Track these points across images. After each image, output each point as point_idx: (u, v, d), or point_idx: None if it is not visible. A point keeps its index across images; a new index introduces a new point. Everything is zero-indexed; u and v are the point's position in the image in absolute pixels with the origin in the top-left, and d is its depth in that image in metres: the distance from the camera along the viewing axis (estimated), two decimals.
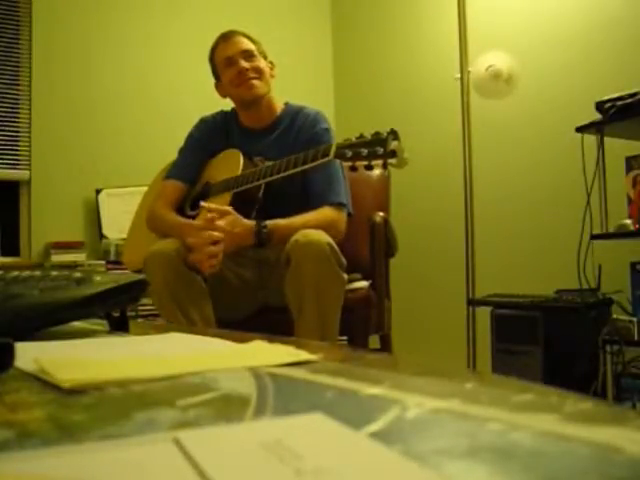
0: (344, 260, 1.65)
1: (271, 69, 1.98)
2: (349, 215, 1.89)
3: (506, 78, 2.56)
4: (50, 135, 3.00)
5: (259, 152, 1.90)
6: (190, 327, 1.58)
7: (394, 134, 1.47)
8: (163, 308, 1.70)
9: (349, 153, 1.51)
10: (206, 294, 1.71)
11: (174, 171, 2.01)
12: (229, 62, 1.93)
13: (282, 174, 1.67)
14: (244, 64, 1.90)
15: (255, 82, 1.91)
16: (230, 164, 1.88)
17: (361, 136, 1.52)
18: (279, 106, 2.00)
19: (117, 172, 3.04)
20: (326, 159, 1.58)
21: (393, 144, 1.46)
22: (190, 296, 1.67)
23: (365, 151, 1.48)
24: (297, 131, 1.93)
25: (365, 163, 1.51)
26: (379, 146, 1.46)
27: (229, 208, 1.70)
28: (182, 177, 1.99)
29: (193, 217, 1.88)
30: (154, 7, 3.30)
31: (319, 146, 1.82)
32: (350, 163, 1.53)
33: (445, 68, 2.95)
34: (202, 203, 1.75)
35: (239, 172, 1.82)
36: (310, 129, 1.92)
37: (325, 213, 1.79)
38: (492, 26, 2.91)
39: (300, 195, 1.86)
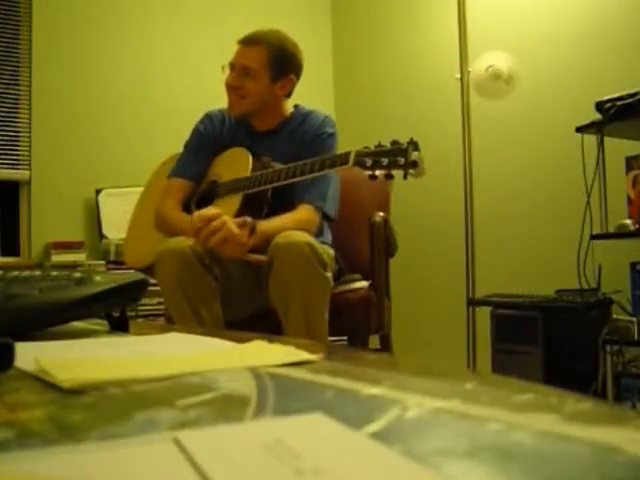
0: (326, 259, 1.65)
1: (284, 87, 1.92)
2: (330, 219, 1.89)
3: (506, 78, 2.56)
4: (50, 135, 3.00)
5: (266, 152, 1.89)
6: (191, 327, 1.58)
7: (414, 145, 1.47)
8: (173, 305, 1.68)
9: (369, 162, 1.50)
10: (217, 293, 1.69)
11: (180, 168, 1.98)
12: (231, 68, 1.91)
13: (297, 179, 1.66)
14: (232, 81, 1.89)
15: (235, 100, 1.90)
16: (238, 164, 1.86)
17: (380, 145, 1.51)
18: (288, 109, 1.99)
19: (117, 172, 3.04)
20: (345, 166, 1.57)
21: (414, 154, 1.46)
22: (201, 294, 1.66)
23: (385, 160, 1.47)
24: (303, 134, 1.93)
25: (385, 172, 1.51)
26: (400, 156, 1.46)
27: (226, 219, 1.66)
28: (188, 175, 1.96)
29: None
30: (154, 7, 3.30)
31: (322, 149, 1.82)
32: (370, 172, 1.52)
33: (445, 68, 2.95)
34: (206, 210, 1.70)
35: (248, 173, 1.80)
36: (316, 132, 1.92)
37: (300, 213, 1.80)
38: (492, 26, 2.91)
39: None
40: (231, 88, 1.89)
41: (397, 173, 1.50)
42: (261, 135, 1.95)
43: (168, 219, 1.89)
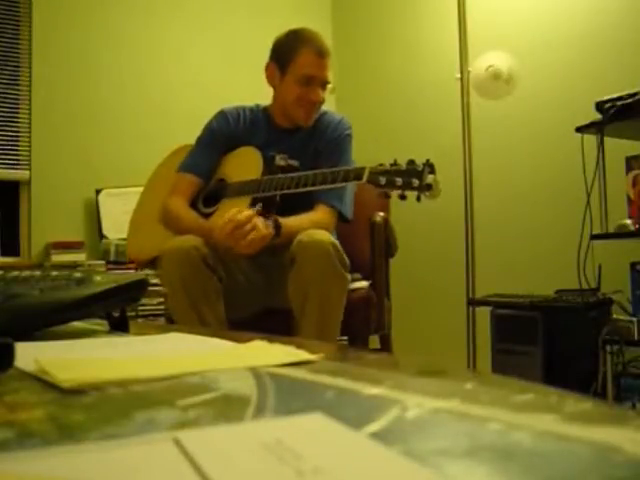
0: (347, 260, 1.66)
1: None
2: (346, 221, 1.90)
3: (506, 78, 2.56)
4: (50, 135, 3.00)
5: (283, 149, 1.88)
6: (192, 327, 1.57)
7: (430, 167, 1.46)
8: (176, 305, 1.67)
9: (383, 180, 1.49)
10: (220, 294, 1.69)
11: (190, 164, 1.95)
12: (309, 81, 1.86)
13: (307, 188, 1.66)
14: (319, 96, 1.87)
15: (314, 114, 1.91)
16: (248, 165, 1.85)
17: (395, 163, 1.50)
18: None
19: (117, 172, 3.04)
20: (358, 182, 1.57)
21: (430, 177, 1.45)
22: (205, 295, 1.65)
23: (400, 180, 1.47)
24: (321, 133, 1.94)
25: (399, 193, 1.49)
26: (415, 178, 1.45)
27: (251, 212, 1.66)
28: (198, 171, 1.93)
29: (206, 214, 1.87)
30: (154, 7, 3.30)
31: (339, 150, 1.86)
32: (382, 190, 1.51)
33: (445, 68, 2.95)
34: (228, 215, 1.67)
35: (258, 175, 1.79)
36: (333, 133, 1.93)
37: (317, 215, 1.81)
38: (492, 26, 2.91)
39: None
40: (316, 104, 1.89)
41: (410, 194, 1.49)
42: (282, 132, 1.95)
43: (177, 217, 1.87)
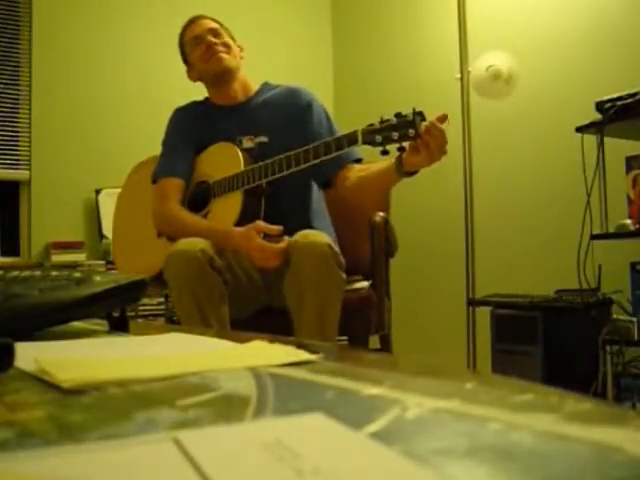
0: (343, 260, 1.65)
1: (240, 51, 1.99)
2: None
3: (506, 78, 2.56)
4: (50, 135, 3.00)
5: (246, 128, 1.87)
6: (195, 328, 1.57)
7: (421, 115, 1.46)
8: (181, 306, 1.66)
9: (379, 138, 1.49)
10: (225, 297, 1.67)
11: (167, 167, 1.92)
12: (197, 40, 1.92)
13: (302, 166, 1.64)
14: (212, 39, 1.91)
15: (223, 55, 1.91)
16: (227, 159, 1.82)
17: (384, 120, 1.50)
18: (253, 84, 2.00)
19: (117, 172, 3.03)
20: (354, 146, 1.57)
21: (423, 125, 1.46)
22: (210, 298, 1.64)
23: (396, 134, 1.47)
24: (284, 98, 1.93)
25: (397, 146, 1.50)
26: (410, 128, 1.46)
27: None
28: (178, 173, 1.90)
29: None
30: (154, 7, 3.30)
31: (313, 112, 1.87)
32: (381, 148, 1.51)
33: (445, 68, 2.95)
34: (259, 222, 1.68)
35: (241, 167, 1.77)
36: (302, 98, 1.92)
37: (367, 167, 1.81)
38: (492, 26, 2.91)
39: (305, 173, 1.84)
40: (215, 45, 1.91)
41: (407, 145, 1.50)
42: (235, 111, 1.94)
43: (182, 221, 1.82)
